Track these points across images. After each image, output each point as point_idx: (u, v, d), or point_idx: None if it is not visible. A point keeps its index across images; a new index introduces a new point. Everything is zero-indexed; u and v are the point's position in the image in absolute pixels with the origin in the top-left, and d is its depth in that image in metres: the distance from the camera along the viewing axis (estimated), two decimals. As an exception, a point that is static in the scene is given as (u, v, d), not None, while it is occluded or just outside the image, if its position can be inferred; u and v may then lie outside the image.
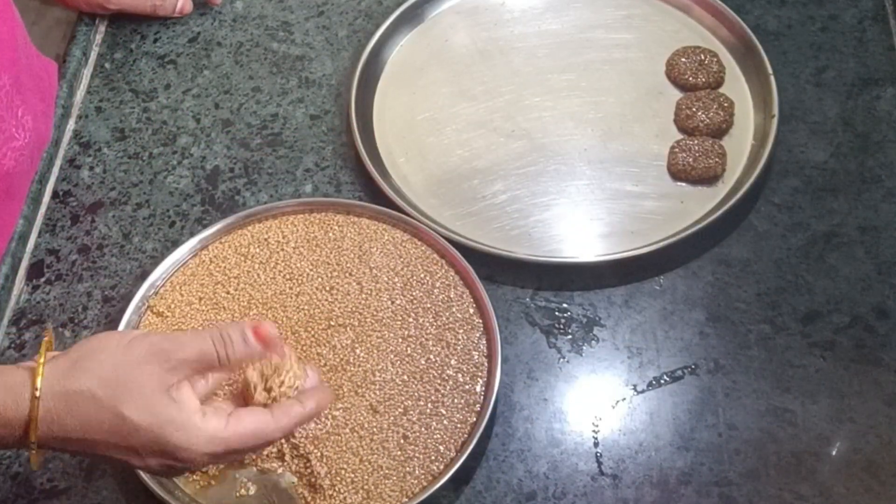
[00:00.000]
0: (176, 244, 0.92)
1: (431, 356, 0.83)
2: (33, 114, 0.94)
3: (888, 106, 0.98)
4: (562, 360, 0.86)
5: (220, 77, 1.06)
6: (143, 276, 0.90)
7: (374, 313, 0.86)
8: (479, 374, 0.82)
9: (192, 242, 0.91)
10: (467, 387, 0.82)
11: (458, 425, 0.80)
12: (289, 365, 0.69)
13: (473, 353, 0.83)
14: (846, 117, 0.98)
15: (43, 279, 0.93)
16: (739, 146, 0.95)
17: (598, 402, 0.83)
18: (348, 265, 0.89)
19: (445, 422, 0.80)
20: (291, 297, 0.87)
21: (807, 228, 0.91)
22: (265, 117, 1.03)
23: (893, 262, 0.89)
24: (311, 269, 0.89)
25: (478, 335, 0.84)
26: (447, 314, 0.85)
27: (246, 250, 0.91)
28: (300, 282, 0.88)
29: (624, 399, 0.83)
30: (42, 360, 0.64)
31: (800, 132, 0.97)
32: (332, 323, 0.86)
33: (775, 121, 0.94)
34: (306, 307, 0.87)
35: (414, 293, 0.87)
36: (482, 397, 0.81)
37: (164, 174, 0.99)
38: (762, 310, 0.87)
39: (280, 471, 0.80)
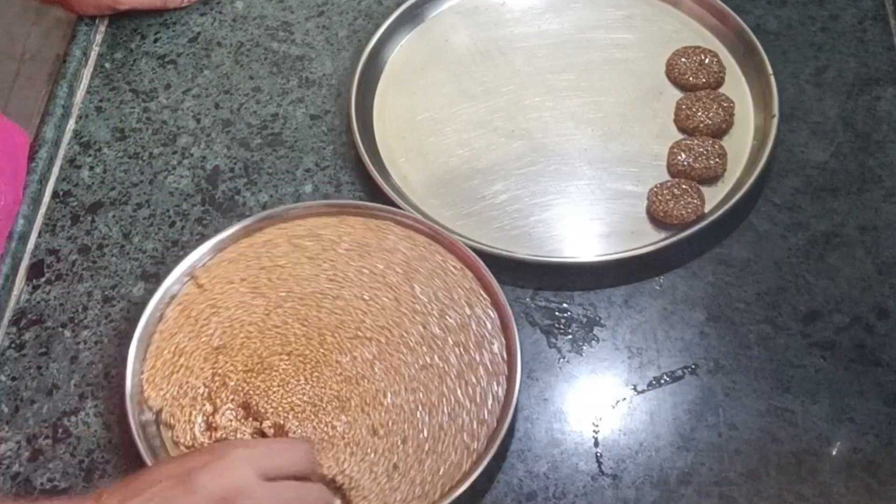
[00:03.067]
0: (176, 244, 0.92)
1: (446, 391, 0.81)
2: (3, 176, 0.92)
3: (888, 106, 0.98)
4: (562, 360, 0.86)
5: (220, 77, 1.06)
6: (202, 240, 0.90)
7: (403, 334, 0.83)
8: (488, 421, 0.79)
9: (248, 222, 0.90)
10: (472, 432, 0.79)
11: (451, 469, 0.77)
12: None
13: (489, 399, 0.80)
14: (846, 117, 0.98)
15: (43, 279, 0.93)
16: (739, 146, 0.95)
17: (599, 402, 0.83)
18: (392, 279, 0.86)
19: (440, 461, 0.78)
20: (329, 299, 0.85)
21: (807, 228, 0.91)
22: (265, 117, 1.03)
23: (893, 262, 0.89)
24: (355, 275, 0.87)
25: (498, 383, 0.81)
26: (476, 354, 0.82)
27: (299, 241, 0.89)
28: (341, 285, 0.86)
29: (624, 399, 0.83)
30: None
31: (800, 132, 0.97)
32: (360, 334, 0.83)
33: (775, 121, 0.94)
34: (339, 312, 0.84)
35: (448, 323, 0.84)
36: (483, 447, 0.78)
37: (164, 174, 0.99)
38: (762, 310, 0.87)
39: None
